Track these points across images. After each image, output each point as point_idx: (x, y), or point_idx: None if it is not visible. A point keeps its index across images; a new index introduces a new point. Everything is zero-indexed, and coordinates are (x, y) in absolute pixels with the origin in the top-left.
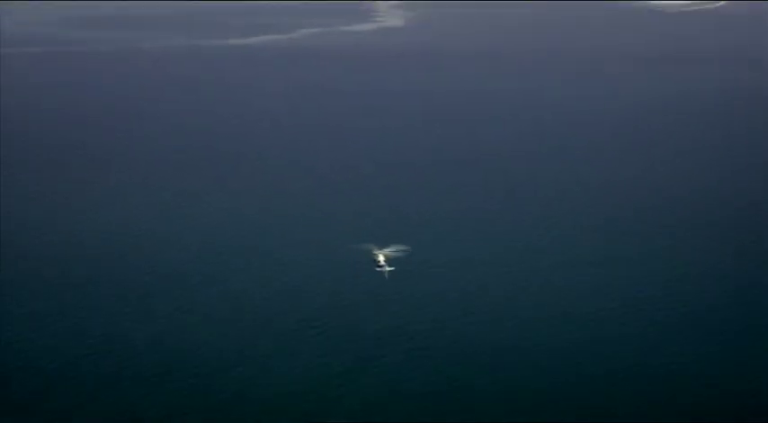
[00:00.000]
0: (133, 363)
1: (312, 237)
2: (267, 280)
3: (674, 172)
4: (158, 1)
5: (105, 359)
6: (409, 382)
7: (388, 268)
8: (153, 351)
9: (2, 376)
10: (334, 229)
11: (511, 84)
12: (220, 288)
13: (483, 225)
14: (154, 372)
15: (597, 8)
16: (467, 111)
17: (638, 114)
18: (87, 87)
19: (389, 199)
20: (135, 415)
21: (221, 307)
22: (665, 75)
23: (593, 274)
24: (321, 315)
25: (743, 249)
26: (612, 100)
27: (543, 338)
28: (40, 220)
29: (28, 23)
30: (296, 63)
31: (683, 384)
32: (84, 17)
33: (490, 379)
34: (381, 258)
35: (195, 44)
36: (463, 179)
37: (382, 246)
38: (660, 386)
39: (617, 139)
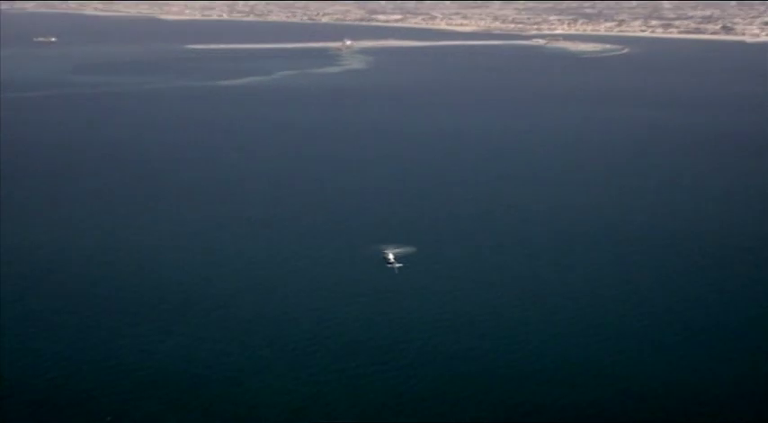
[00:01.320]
0: (160, 373)
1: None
2: (295, 275)
3: (592, 197)
4: (158, 47)
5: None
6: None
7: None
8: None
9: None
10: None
11: (451, 116)
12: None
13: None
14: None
15: (524, 52)
16: (415, 137)
17: (558, 145)
18: (99, 124)
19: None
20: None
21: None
22: (582, 111)
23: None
24: (341, 303)
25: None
26: (540, 131)
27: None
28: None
29: (43, 70)
30: (278, 100)
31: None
32: (93, 63)
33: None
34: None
35: (191, 85)
36: (429, 197)
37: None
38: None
39: (544, 167)
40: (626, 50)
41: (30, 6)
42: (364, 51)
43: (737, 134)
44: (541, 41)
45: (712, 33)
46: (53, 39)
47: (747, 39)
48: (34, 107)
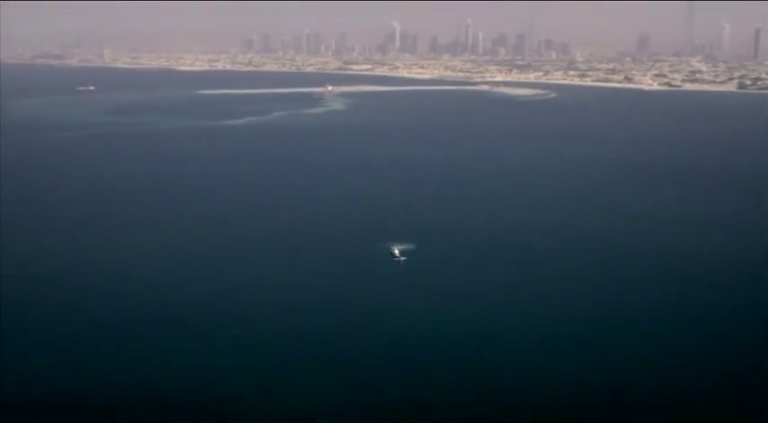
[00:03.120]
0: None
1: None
2: (319, 266)
3: (538, 218)
4: (174, 93)
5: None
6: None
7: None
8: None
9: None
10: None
11: (422, 148)
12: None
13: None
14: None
15: (474, 96)
16: (393, 165)
17: (512, 172)
18: (129, 157)
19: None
20: None
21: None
22: (523, 146)
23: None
24: (359, 285)
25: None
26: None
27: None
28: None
29: (84, 113)
30: (276, 137)
31: None
32: (124, 107)
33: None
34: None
35: (202, 125)
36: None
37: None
38: None
39: (499, 190)
40: (553, 95)
41: (74, 62)
42: (343, 95)
43: (653, 164)
44: (486, 87)
45: (617, 82)
46: (92, 88)
47: (644, 87)
48: (77, 144)
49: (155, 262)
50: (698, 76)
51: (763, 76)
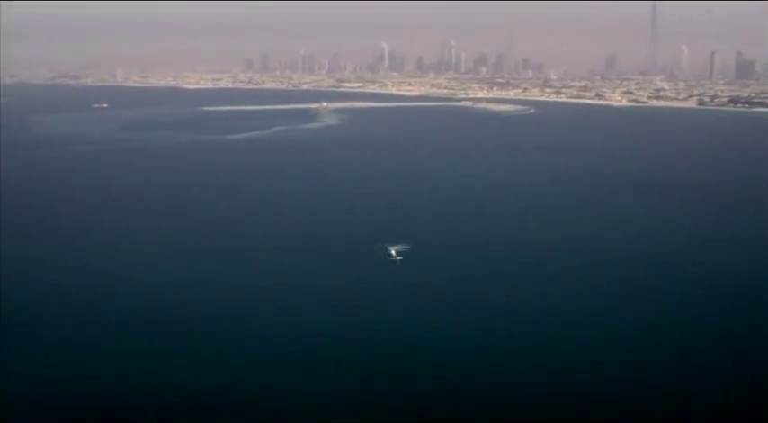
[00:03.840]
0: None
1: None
2: (322, 264)
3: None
4: (181, 110)
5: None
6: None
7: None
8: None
9: None
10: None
11: (414, 160)
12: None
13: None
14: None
15: (458, 112)
16: (387, 176)
17: (499, 183)
18: (127, 171)
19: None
20: None
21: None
22: (510, 158)
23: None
24: (358, 281)
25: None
26: (488, 172)
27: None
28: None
29: (98, 129)
30: (277, 150)
31: None
32: (134, 123)
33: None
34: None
35: (207, 139)
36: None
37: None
38: None
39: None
40: (532, 111)
41: (89, 81)
42: (337, 111)
43: (637, 176)
44: (469, 103)
45: (590, 99)
46: (105, 105)
47: (614, 104)
48: (90, 158)
49: (157, 263)
50: (662, 93)
51: (719, 93)
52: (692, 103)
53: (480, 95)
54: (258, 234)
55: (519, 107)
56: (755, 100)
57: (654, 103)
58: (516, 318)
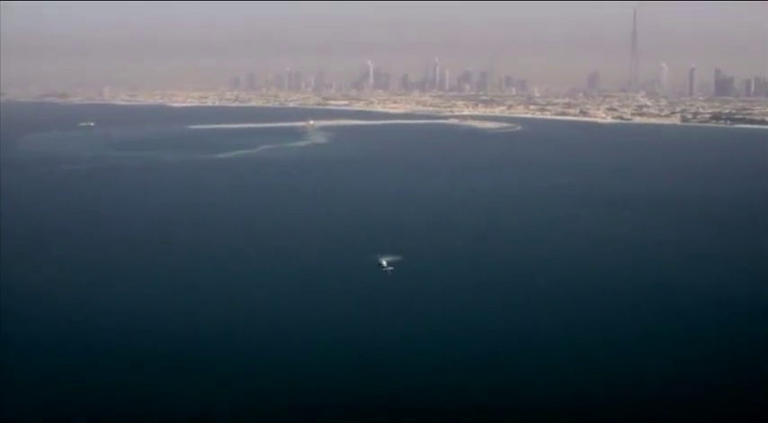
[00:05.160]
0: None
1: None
2: (317, 273)
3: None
4: (168, 128)
5: None
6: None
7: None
8: None
9: None
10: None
11: (404, 179)
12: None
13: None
14: None
15: (445, 129)
16: (376, 195)
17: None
18: (127, 191)
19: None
20: None
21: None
22: (492, 176)
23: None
24: (345, 295)
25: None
26: (480, 190)
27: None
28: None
29: (84, 148)
30: (265, 169)
31: None
32: (121, 142)
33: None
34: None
35: (195, 158)
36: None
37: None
38: None
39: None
40: (519, 128)
41: (77, 100)
42: (324, 129)
43: (638, 194)
44: (455, 120)
45: (574, 115)
46: (92, 123)
47: (600, 120)
48: (75, 177)
49: (152, 272)
50: (645, 110)
51: (701, 110)
52: (675, 120)
53: (466, 113)
54: (250, 248)
55: (505, 124)
56: (737, 117)
57: (638, 119)
58: (505, 327)
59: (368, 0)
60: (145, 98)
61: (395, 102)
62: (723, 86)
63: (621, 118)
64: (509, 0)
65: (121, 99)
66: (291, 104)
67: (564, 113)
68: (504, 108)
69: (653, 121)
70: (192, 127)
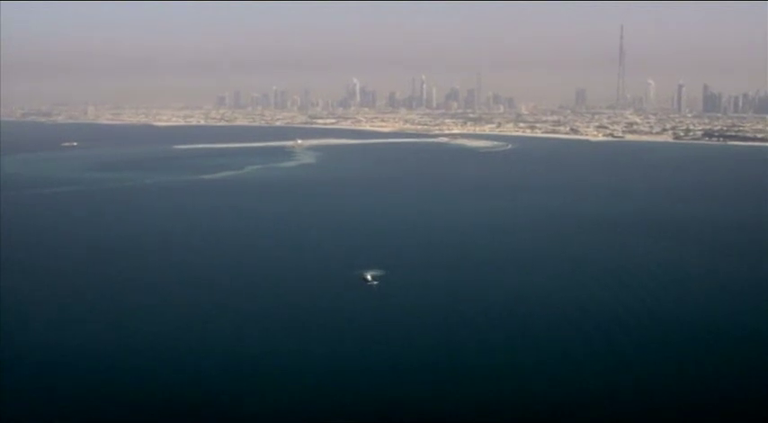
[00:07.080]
0: None
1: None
2: (304, 286)
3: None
4: (153, 148)
5: None
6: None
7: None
8: None
9: None
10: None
11: (396, 199)
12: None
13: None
14: None
15: (435, 148)
16: (368, 215)
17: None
18: (99, 215)
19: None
20: None
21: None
22: (486, 195)
23: None
24: (331, 306)
25: None
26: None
27: None
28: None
29: (66, 169)
30: (253, 191)
31: None
32: (104, 162)
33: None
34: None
35: (180, 179)
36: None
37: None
38: None
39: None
40: (510, 146)
41: (60, 119)
42: (312, 148)
43: (624, 215)
44: (445, 139)
45: (565, 133)
46: (75, 143)
47: (590, 138)
48: (57, 201)
49: (134, 299)
50: (635, 127)
51: (691, 127)
52: (667, 137)
53: (455, 131)
54: (238, 267)
55: (496, 143)
56: (729, 133)
57: (629, 137)
58: (490, 337)
59: (352, 15)
60: (129, 117)
61: (383, 120)
62: (711, 103)
63: (613, 135)
64: (494, 17)
65: (106, 118)
66: (278, 123)
67: (554, 131)
68: (493, 126)
69: (645, 138)
70: (178, 147)
